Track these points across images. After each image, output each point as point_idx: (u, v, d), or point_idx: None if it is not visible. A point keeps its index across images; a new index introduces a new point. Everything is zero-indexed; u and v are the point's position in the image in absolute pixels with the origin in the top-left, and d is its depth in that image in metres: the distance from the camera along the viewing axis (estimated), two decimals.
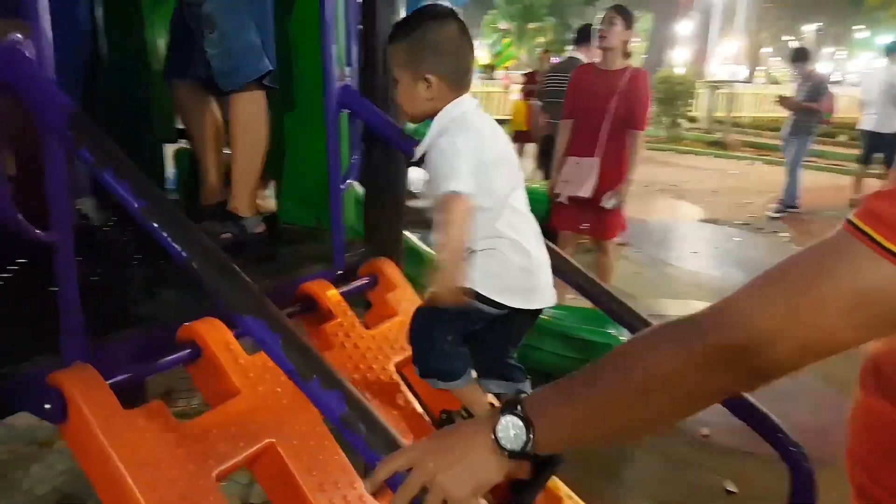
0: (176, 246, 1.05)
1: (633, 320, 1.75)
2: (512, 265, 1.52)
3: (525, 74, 9.58)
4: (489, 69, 21.18)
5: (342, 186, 1.97)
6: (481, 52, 25.49)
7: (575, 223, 4.06)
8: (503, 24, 25.49)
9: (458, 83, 1.52)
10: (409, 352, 1.82)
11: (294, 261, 2.06)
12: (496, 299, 1.52)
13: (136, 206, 1.08)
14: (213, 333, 1.47)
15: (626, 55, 3.86)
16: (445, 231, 1.38)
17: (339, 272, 2.00)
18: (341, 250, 1.99)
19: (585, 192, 3.88)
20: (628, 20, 3.69)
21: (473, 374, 1.71)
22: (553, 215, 4.13)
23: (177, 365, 1.47)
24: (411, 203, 2.35)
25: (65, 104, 1.15)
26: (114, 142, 1.13)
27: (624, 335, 2.85)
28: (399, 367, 1.81)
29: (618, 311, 1.79)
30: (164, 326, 1.49)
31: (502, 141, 1.58)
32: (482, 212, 1.45)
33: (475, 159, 1.43)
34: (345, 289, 1.92)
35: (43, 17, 1.19)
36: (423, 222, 1.62)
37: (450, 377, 1.63)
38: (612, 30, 3.70)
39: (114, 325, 1.48)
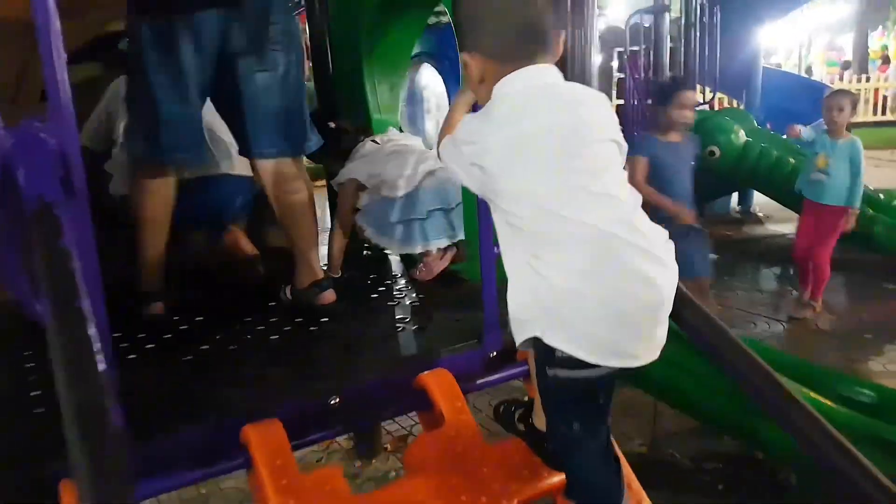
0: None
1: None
2: (586, 302, 1.05)
3: None
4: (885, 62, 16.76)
5: (496, 250, 1.58)
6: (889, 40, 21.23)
7: None
8: None
9: (509, 54, 1.11)
10: (546, 482, 1.36)
11: (450, 333, 1.73)
12: (573, 354, 1.06)
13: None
14: (266, 443, 1.24)
15: None
16: None
17: (494, 353, 1.61)
18: (495, 327, 1.60)
19: None
20: None
21: None
22: None
23: (229, 472, 1.28)
24: None
25: (43, 195, 1.03)
26: (60, 244, 0.97)
27: None
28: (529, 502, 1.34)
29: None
30: (226, 426, 1.30)
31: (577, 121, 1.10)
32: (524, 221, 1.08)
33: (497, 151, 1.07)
34: (485, 379, 1.53)
35: (63, 102, 1.10)
36: None
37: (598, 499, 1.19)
38: None
39: (172, 420, 1.35)
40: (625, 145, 1.16)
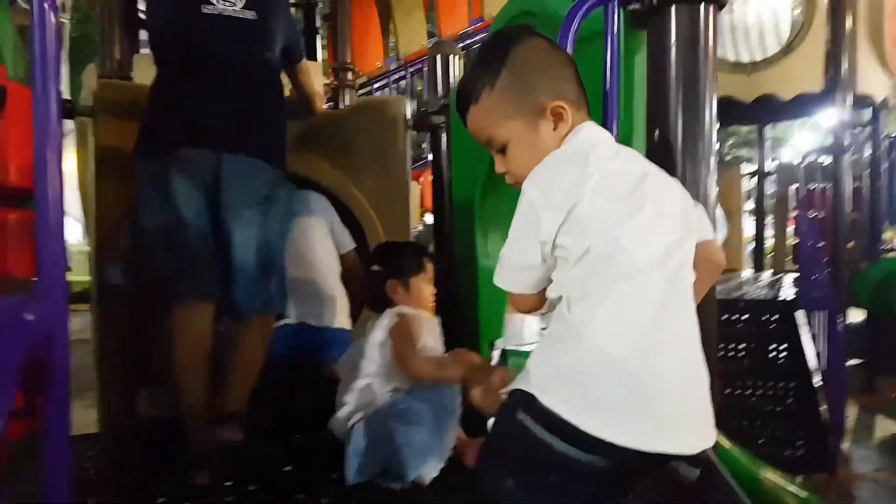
0: None
1: None
2: (610, 362, 0.97)
3: None
4: None
5: None
6: None
7: None
8: None
9: (580, 103, 1.18)
10: None
11: None
12: (581, 426, 0.95)
13: None
14: None
15: None
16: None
17: None
18: None
19: None
20: None
21: None
22: None
23: None
24: None
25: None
26: None
27: None
28: None
29: None
30: None
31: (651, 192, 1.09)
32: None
33: (566, 216, 1.04)
34: None
35: (54, 271, 1.07)
36: None
37: None
38: None
39: None
40: (693, 219, 1.15)
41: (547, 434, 0.97)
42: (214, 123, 1.99)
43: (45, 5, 1.14)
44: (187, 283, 1.98)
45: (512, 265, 1.12)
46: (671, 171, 1.53)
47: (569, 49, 1.51)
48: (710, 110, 1.54)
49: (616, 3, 1.46)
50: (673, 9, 1.52)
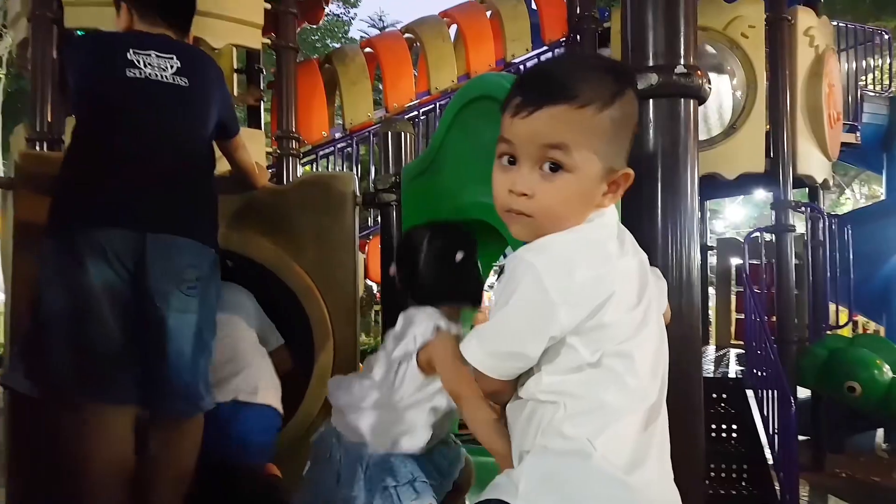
0: None
1: None
2: (613, 482, 0.89)
3: None
4: None
5: None
6: None
7: None
8: None
9: None
10: None
11: None
12: None
13: None
14: None
15: None
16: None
17: None
18: None
19: None
20: None
21: None
22: None
23: None
24: None
25: None
26: None
27: None
28: None
29: None
30: None
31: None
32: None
33: (577, 310, 0.91)
34: None
35: None
36: None
37: None
38: None
39: None
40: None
41: None
42: (137, 199, 1.78)
43: None
44: (104, 384, 1.71)
45: (501, 350, 0.96)
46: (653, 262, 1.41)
47: None
48: (693, 201, 1.44)
49: None
50: (651, 103, 1.43)
